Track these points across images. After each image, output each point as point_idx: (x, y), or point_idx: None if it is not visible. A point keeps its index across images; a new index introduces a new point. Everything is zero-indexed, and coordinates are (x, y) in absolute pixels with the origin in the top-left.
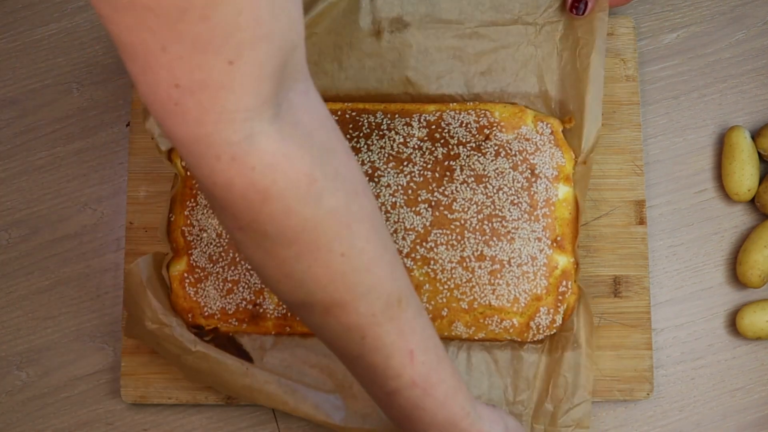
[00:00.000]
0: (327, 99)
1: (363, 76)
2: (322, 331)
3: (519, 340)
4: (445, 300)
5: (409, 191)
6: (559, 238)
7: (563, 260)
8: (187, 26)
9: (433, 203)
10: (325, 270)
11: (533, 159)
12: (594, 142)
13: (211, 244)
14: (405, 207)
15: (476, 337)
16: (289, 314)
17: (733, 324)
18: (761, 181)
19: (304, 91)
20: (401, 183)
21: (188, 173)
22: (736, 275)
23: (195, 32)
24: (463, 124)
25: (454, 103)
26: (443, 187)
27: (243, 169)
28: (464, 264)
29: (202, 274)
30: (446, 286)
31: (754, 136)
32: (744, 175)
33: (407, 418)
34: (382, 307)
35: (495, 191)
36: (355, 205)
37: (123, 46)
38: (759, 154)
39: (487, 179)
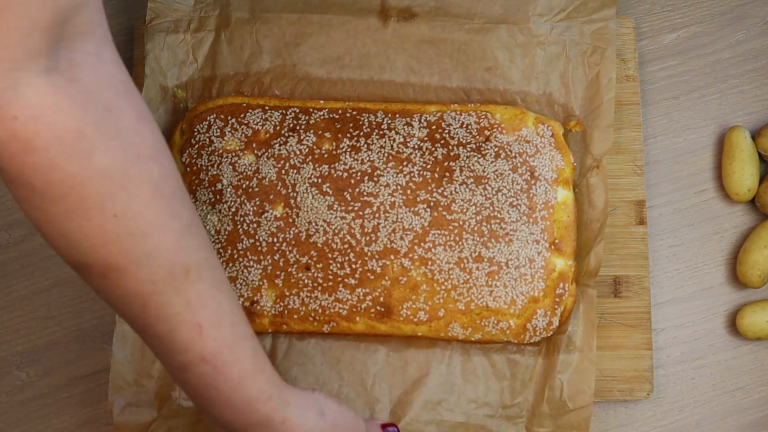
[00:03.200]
0: (332, 86)
1: (367, 62)
2: (104, 295)
3: (516, 341)
4: (442, 301)
5: (408, 191)
6: (557, 241)
7: (561, 263)
8: None
9: (431, 204)
10: (97, 231)
11: (533, 161)
12: (609, 147)
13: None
14: (404, 207)
15: (473, 338)
16: (285, 312)
17: (733, 324)
18: (761, 181)
19: (93, 52)
20: (400, 183)
21: (188, 169)
22: (736, 275)
23: None
24: (464, 125)
25: (455, 104)
26: (442, 188)
27: (5, 118)
28: (462, 265)
29: None
30: (444, 287)
31: (754, 136)
32: (744, 175)
33: (201, 396)
34: (164, 276)
35: (494, 193)
36: (135, 168)
37: None
38: (759, 154)
39: (486, 181)
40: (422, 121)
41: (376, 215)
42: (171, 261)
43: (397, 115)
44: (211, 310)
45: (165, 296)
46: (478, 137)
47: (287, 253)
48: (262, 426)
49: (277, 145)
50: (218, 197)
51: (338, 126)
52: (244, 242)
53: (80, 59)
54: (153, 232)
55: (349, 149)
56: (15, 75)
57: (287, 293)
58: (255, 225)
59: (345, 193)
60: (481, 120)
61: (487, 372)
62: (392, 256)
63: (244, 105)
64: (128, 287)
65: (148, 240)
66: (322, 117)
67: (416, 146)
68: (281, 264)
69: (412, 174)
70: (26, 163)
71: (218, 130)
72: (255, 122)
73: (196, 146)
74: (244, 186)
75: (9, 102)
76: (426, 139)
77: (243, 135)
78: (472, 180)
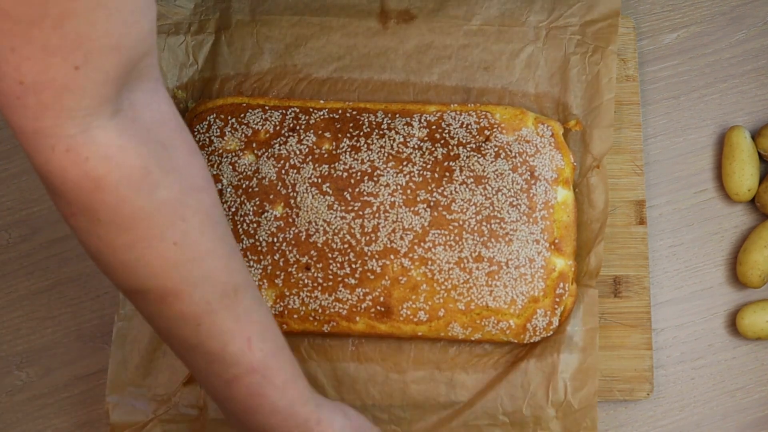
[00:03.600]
0: (332, 86)
1: (367, 63)
2: (157, 320)
3: (516, 341)
4: (442, 300)
5: (408, 191)
6: (557, 241)
7: (561, 263)
8: (40, 32)
9: (431, 203)
10: (158, 259)
11: (533, 161)
12: (609, 146)
13: None
14: (404, 207)
15: (473, 338)
16: (285, 312)
17: (733, 324)
18: (761, 181)
19: (151, 90)
20: (400, 183)
21: None
22: (736, 275)
23: (46, 38)
24: (464, 125)
25: (455, 104)
26: (442, 188)
27: (77, 159)
28: (462, 265)
29: None
30: (444, 287)
31: (754, 136)
32: (744, 175)
33: (248, 408)
34: (217, 296)
35: (494, 192)
36: (191, 199)
37: None
38: (759, 154)
39: (486, 180)
40: (422, 121)
41: (376, 215)
42: (223, 282)
43: (397, 115)
44: (257, 323)
45: (218, 315)
46: (478, 137)
47: (287, 252)
48: (301, 428)
49: (277, 145)
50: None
51: (338, 126)
52: (244, 242)
53: (140, 99)
54: (207, 256)
55: (349, 149)
56: (87, 120)
57: (287, 293)
58: (255, 225)
59: (345, 193)
60: (480, 120)
61: (486, 386)
62: (392, 256)
63: (244, 105)
64: (183, 309)
65: (203, 264)
66: (322, 117)
67: (416, 146)
68: (281, 264)
69: (412, 174)
70: (96, 199)
71: (218, 130)
72: (255, 122)
73: None
74: (244, 186)
75: (82, 145)
76: (426, 139)
77: (243, 135)
78: (472, 180)
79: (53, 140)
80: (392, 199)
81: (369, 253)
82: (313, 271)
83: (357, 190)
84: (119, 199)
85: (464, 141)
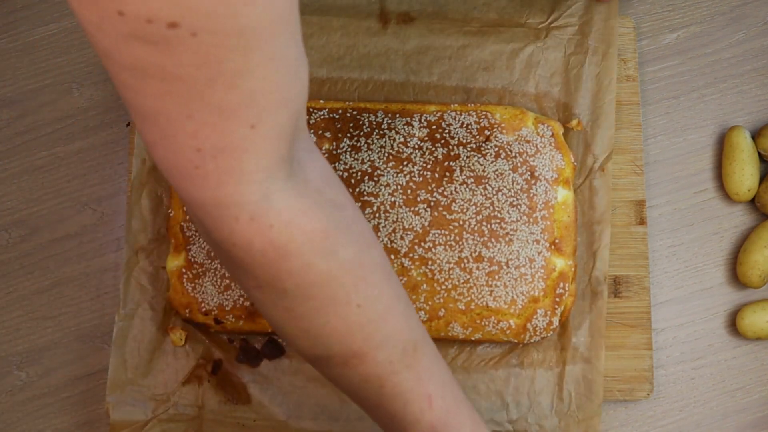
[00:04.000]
0: (332, 86)
1: (367, 63)
2: (340, 382)
3: (516, 341)
4: (442, 300)
5: (409, 191)
6: (557, 241)
7: (561, 263)
8: (215, 94)
9: (432, 203)
10: (343, 322)
11: (533, 161)
12: (611, 147)
13: None
14: (404, 207)
15: (473, 338)
16: None
17: (733, 324)
18: (761, 181)
19: (308, 149)
20: (401, 182)
21: None
22: (736, 275)
23: (222, 99)
24: (464, 125)
25: (455, 104)
26: (442, 188)
27: (262, 227)
28: (462, 265)
29: (200, 270)
30: (444, 287)
31: (754, 136)
32: (744, 175)
33: None
34: (399, 355)
35: (494, 192)
36: (367, 257)
37: (144, 113)
38: (759, 154)
39: (486, 180)
40: (422, 120)
41: (377, 215)
42: (404, 340)
43: (397, 115)
44: (436, 379)
45: (400, 375)
46: (478, 137)
47: None
48: None
49: None
50: None
51: (338, 126)
52: None
53: (303, 158)
54: (388, 315)
55: (349, 149)
56: (266, 184)
57: None
58: None
59: None
60: (481, 120)
61: (490, 389)
62: (392, 256)
63: None
64: (367, 372)
65: (385, 324)
66: (322, 117)
67: (416, 146)
68: None
69: (412, 174)
70: (282, 268)
71: None
72: None
73: None
74: None
75: (265, 211)
76: (426, 138)
77: None
78: (472, 180)
79: (236, 209)
80: (392, 199)
81: None
82: None
83: (357, 190)
84: (304, 265)
85: (464, 141)
